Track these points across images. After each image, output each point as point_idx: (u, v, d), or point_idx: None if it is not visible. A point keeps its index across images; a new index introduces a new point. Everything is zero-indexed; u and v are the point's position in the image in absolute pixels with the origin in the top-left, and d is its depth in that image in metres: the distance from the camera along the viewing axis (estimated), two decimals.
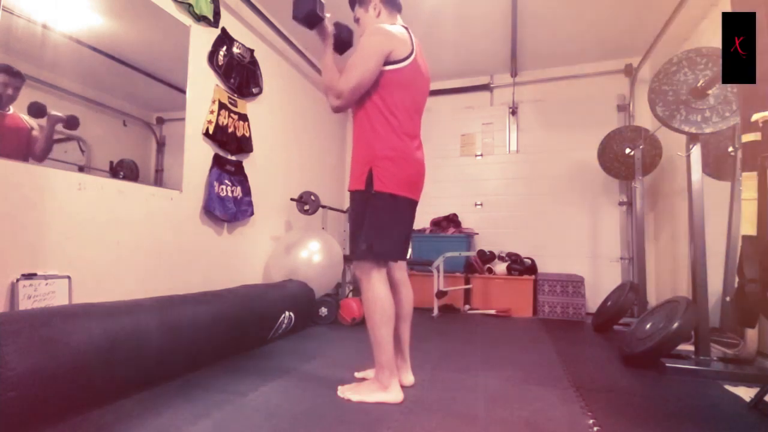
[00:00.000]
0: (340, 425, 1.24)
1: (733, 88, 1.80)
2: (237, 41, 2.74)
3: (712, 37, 2.56)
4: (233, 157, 2.71)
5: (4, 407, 1.04)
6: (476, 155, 4.21)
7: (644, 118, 3.42)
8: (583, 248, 3.79)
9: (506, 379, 1.71)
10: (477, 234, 4.02)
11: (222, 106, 2.60)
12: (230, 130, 2.66)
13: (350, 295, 3.41)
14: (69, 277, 1.68)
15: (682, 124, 1.91)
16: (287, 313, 2.30)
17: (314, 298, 2.72)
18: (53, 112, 1.68)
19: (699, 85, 1.86)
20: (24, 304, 1.50)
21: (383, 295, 1.43)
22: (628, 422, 1.29)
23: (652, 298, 3.38)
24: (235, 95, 2.73)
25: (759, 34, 1.15)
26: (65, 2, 1.74)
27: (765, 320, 1.88)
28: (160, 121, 2.22)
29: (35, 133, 1.63)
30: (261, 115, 3.02)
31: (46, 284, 1.59)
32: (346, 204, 4.21)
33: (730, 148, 2.14)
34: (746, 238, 1.27)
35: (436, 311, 3.24)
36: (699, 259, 1.90)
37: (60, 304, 1.62)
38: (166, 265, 2.19)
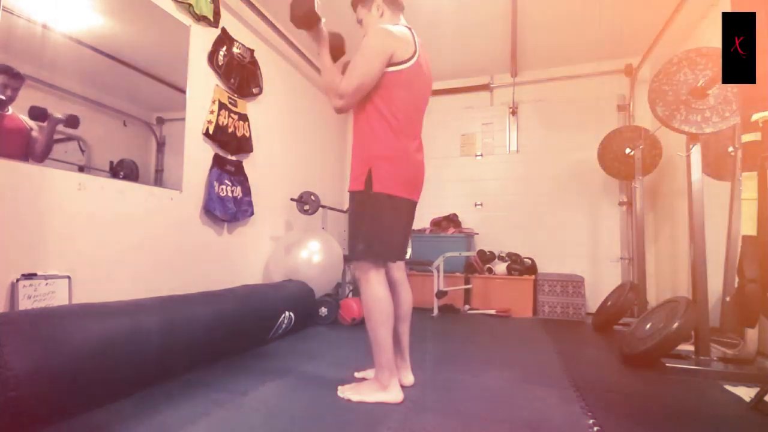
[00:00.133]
0: (340, 425, 1.24)
1: (733, 88, 1.80)
2: (237, 41, 2.74)
3: (712, 37, 2.56)
4: (233, 157, 2.71)
5: (4, 407, 1.04)
6: (476, 155, 4.21)
7: (644, 118, 3.42)
8: (583, 248, 3.79)
9: (506, 379, 1.71)
10: (477, 234, 4.02)
11: (222, 106, 2.60)
12: (230, 130, 2.66)
13: (350, 295, 3.41)
14: (69, 277, 1.68)
15: (682, 124, 1.91)
16: (287, 313, 2.30)
17: (314, 298, 2.72)
18: (54, 114, 1.68)
19: (699, 85, 1.86)
20: (24, 304, 1.50)
21: (382, 295, 1.43)
22: (628, 422, 1.29)
23: (652, 298, 3.37)
24: (235, 95, 2.73)
25: (759, 34, 1.15)
26: (65, 2, 1.74)
27: (765, 320, 1.87)
28: (160, 121, 2.22)
29: (35, 133, 1.63)
30: (261, 115, 3.02)
31: (46, 284, 1.59)
32: (346, 204, 4.21)
33: (730, 148, 2.14)
34: (746, 238, 1.28)
35: (436, 311, 3.24)
36: (699, 259, 1.90)
37: (60, 304, 1.62)
38: (166, 265, 2.19)
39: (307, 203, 3.30)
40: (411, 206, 1.53)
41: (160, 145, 2.22)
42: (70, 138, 1.77)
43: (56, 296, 1.63)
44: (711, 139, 2.28)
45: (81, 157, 1.82)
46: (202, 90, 2.49)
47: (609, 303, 2.97)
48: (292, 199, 3.28)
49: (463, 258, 3.65)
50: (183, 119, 2.34)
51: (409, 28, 1.51)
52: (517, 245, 3.88)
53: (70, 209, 1.72)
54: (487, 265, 3.69)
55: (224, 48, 2.63)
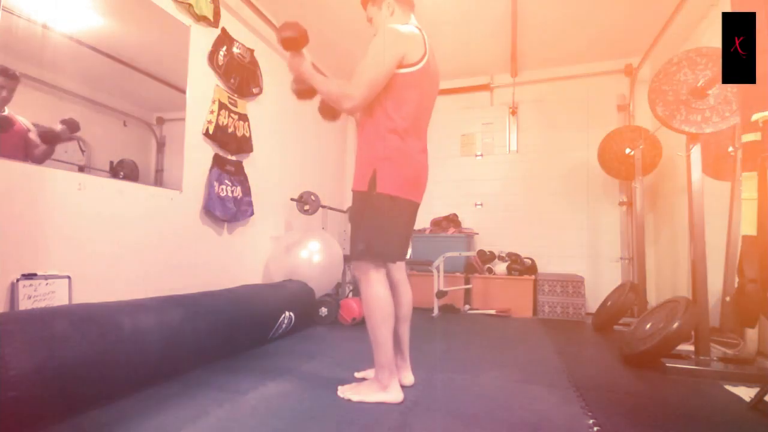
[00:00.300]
0: (340, 425, 1.24)
1: (733, 88, 1.80)
2: (237, 41, 2.74)
3: (712, 37, 2.56)
4: (233, 157, 2.71)
5: (4, 407, 1.04)
6: (476, 155, 4.21)
7: (644, 118, 3.42)
8: (583, 248, 3.79)
9: (506, 379, 1.71)
10: (477, 234, 4.02)
11: (222, 106, 2.60)
12: (230, 130, 2.66)
13: (350, 295, 3.41)
14: (69, 277, 1.68)
15: (682, 124, 1.91)
16: (287, 313, 2.30)
17: (314, 298, 2.72)
18: (62, 131, 1.70)
19: (699, 85, 1.86)
20: (24, 304, 1.50)
21: (382, 295, 1.43)
22: (628, 422, 1.29)
23: (652, 298, 3.38)
24: (235, 95, 2.73)
25: (759, 34, 1.15)
26: (65, 2, 1.74)
27: (765, 320, 1.87)
28: (160, 121, 2.22)
29: (32, 135, 1.63)
30: (261, 115, 3.01)
31: (46, 284, 1.59)
32: (346, 204, 4.21)
33: (730, 148, 2.14)
34: (746, 238, 1.28)
35: (436, 311, 3.24)
36: (699, 259, 1.90)
37: (60, 304, 1.62)
38: (166, 265, 2.19)
39: (307, 203, 3.30)
40: (413, 207, 1.53)
41: (160, 145, 2.22)
42: (70, 138, 1.77)
43: (56, 296, 1.63)
44: (711, 139, 2.28)
45: (81, 157, 1.82)
46: (202, 90, 2.49)
47: (609, 303, 2.97)
48: (292, 199, 3.28)
49: (463, 258, 3.65)
50: (183, 119, 2.34)
51: (420, 29, 1.49)
52: (517, 245, 3.88)
53: (70, 209, 1.72)
54: (487, 265, 3.69)
55: (224, 48, 2.63)
